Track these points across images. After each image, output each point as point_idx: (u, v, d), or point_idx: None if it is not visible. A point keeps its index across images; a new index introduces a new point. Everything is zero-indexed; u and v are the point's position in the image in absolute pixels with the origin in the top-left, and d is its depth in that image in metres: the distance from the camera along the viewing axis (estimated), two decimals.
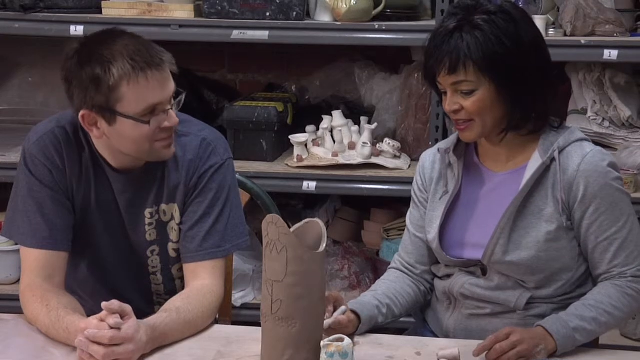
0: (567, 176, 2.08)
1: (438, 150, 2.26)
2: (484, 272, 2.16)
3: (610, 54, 3.06)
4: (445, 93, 2.11)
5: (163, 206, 2.21)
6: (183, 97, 2.14)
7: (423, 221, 2.26)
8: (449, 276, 2.22)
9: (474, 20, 2.05)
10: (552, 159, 2.10)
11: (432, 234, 2.20)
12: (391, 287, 2.25)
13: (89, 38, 2.09)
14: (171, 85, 2.09)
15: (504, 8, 2.09)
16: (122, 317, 1.89)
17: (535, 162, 2.12)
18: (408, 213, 2.33)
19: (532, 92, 2.09)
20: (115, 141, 2.09)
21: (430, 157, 2.29)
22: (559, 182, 2.08)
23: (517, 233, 2.10)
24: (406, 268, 2.29)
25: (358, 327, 2.08)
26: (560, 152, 2.10)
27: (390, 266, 2.34)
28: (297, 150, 3.32)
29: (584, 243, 2.12)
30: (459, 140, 2.21)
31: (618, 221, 2.09)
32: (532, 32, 2.11)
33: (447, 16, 2.12)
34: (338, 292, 2.06)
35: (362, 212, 3.76)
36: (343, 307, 2.04)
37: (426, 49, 2.12)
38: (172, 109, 2.09)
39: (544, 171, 2.10)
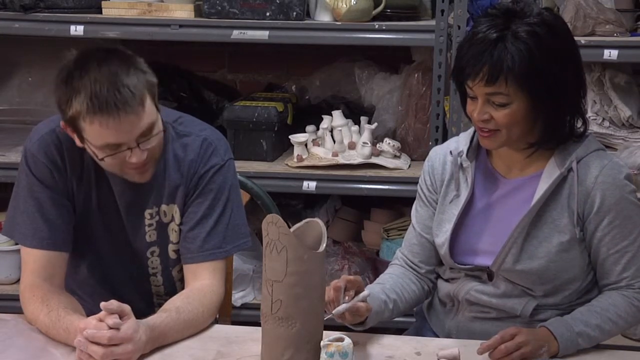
0: (584, 187, 2.06)
1: (450, 152, 2.21)
2: (490, 277, 2.14)
3: (610, 54, 3.06)
4: (473, 98, 2.06)
5: (163, 207, 2.21)
6: (157, 137, 2.08)
7: (432, 222, 2.23)
8: (453, 279, 2.21)
9: (517, 31, 1.99)
10: (569, 169, 2.07)
11: (442, 238, 2.18)
12: (398, 282, 2.22)
13: (81, 54, 2.04)
14: (139, 126, 2.01)
15: (545, 19, 2.03)
16: (121, 317, 1.89)
17: (551, 171, 2.08)
18: (413, 210, 2.29)
19: (566, 109, 2.07)
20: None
21: (440, 157, 2.24)
22: (575, 194, 2.06)
23: (529, 243, 2.08)
24: (410, 267, 2.28)
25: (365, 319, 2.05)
26: (577, 162, 2.07)
27: (393, 262, 2.31)
28: (297, 150, 3.32)
29: (594, 254, 2.11)
30: (471, 143, 2.19)
31: (631, 234, 2.08)
32: (573, 46, 2.07)
33: (487, 19, 2.05)
34: (359, 277, 2.03)
35: (362, 212, 3.76)
36: (365, 292, 1.99)
37: (461, 52, 2.06)
38: (138, 146, 2.02)
39: (560, 181, 2.07)
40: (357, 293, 1.98)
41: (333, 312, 1.93)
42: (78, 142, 2.08)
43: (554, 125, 2.07)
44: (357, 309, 1.97)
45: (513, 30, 2.00)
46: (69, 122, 2.03)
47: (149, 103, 2.02)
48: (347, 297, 1.96)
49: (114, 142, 2.01)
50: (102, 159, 2.04)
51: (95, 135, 2.00)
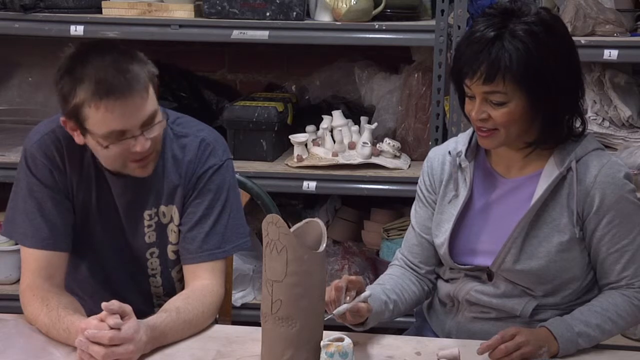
0: (584, 187, 2.05)
1: (449, 153, 2.21)
2: (490, 277, 2.14)
3: (610, 54, 3.06)
4: (472, 98, 2.06)
5: (162, 208, 2.21)
6: (160, 125, 2.09)
7: (431, 222, 2.23)
8: (453, 279, 2.21)
9: (515, 30, 1.99)
10: (568, 169, 2.07)
11: (441, 238, 2.18)
12: (398, 282, 2.22)
13: (81, 48, 2.06)
14: (144, 111, 2.02)
15: (543, 18, 2.03)
16: (122, 318, 1.89)
17: (550, 171, 2.08)
18: (413, 211, 2.29)
19: (564, 108, 2.07)
20: (93, 151, 2.09)
21: (439, 157, 2.24)
22: (575, 193, 2.05)
23: (529, 243, 2.08)
24: (410, 267, 2.27)
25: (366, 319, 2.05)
26: (576, 162, 2.06)
27: (392, 262, 2.31)
28: (297, 150, 3.32)
29: (594, 253, 2.10)
30: (470, 143, 2.19)
31: (630, 233, 2.08)
32: (570, 45, 2.07)
33: (484, 19, 2.05)
34: (360, 277, 2.03)
35: (362, 212, 3.76)
36: (367, 293, 1.99)
37: (459, 52, 2.06)
38: (143, 134, 2.03)
39: (560, 181, 2.07)
40: (358, 293, 1.98)
41: (334, 312, 1.93)
42: (79, 139, 2.08)
43: (552, 125, 2.07)
44: (358, 310, 1.97)
45: (511, 29, 2.00)
46: (71, 114, 2.03)
47: (151, 91, 2.04)
48: (348, 298, 1.96)
49: (119, 128, 2.01)
50: (106, 147, 2.03)
51: (100, 122, 2.00)
